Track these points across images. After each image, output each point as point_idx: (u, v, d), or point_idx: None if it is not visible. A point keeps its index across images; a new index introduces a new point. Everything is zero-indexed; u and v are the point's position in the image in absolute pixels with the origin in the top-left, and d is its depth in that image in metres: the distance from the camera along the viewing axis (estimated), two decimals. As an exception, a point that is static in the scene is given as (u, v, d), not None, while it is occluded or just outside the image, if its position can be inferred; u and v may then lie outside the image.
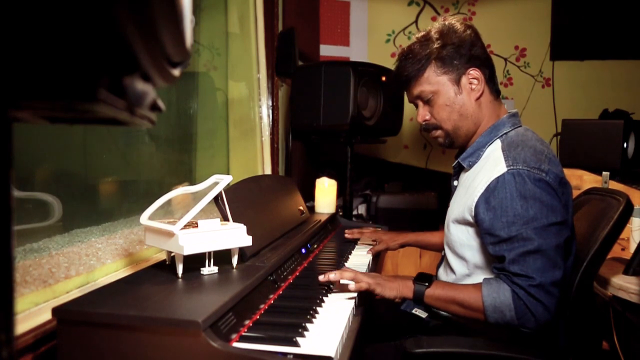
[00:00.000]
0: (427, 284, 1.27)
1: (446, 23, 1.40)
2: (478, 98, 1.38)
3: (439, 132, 1.43)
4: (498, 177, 1.24)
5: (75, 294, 1.13)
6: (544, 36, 3.53)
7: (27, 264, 1.09)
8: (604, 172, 2.46)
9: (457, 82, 1.37)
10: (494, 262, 1.26)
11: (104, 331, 0.91)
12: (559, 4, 3.49)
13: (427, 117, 1.43)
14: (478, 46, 1.38)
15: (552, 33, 3.51)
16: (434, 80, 1.38)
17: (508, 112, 1.41)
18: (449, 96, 1.38)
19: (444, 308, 1.28)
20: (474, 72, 1.37)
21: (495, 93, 1.41)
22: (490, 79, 1.39)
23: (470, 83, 1.37)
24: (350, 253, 1.78)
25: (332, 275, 1.26)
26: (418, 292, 1.27)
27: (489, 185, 1.25)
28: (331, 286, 1.34)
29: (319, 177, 2.28)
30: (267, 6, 2.41)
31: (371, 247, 1.82)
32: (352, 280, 1.27)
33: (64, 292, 1.12)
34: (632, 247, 1.91)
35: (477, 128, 1.40)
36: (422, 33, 1.42)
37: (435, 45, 1.37)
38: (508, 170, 1.23)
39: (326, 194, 2.23)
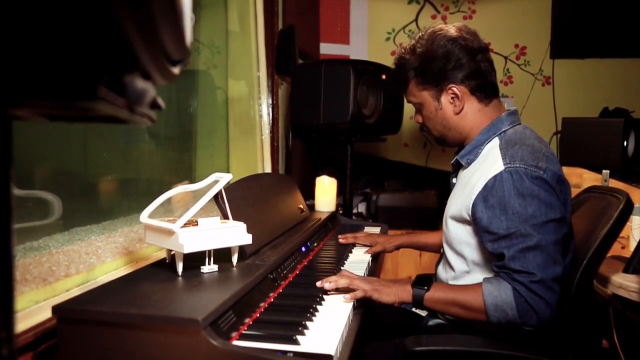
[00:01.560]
0: (426, 287, 1.26)
1: (432, 32, 1.38)
2: (459, 112, 1.39)
3: (432, 135, 1.52)
4: (495, 176, 1.24)
5: (76, 292, 1.13)
6: (544, 34, 3.53)
7: (27, 262, 1.09)
8: (604, 171, 2.46)
9: (437, 98, 1.40)
10: (493, 260, 1.26)
11: (104, 329, 0.92)
12: (559, 2, 3.48)
13: (420, 121, 1.51)
14: (463, 59, 1.34)
15: (552, 31, 3.51)
16: (417, 94, 1.44)
17: (507, 110, 1.41)
18: (430, 110, 1.43)
19: (445, 311, 1.27)
20: (454, 89, 1.36)
21: (487, 99, 1.39)
22: (478, 88, 1.37)
23: (451, 99, 1.38)
24: (350, 251, 1.78)
25: (328, 285, 1.27)
26: (417, 296, 1.26)
27: (486, 183, 1.25)
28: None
29: (319, 175, 2.28)
30: (267, 4, 2.41)
31: (368, 248, 1.81)
32: (346, 286, 1.27)
33: (64, 291, 1.12)
34: (632, 246, 1.91)
35: (464, 135, 1.42)
36: (410, 43, 1.42)
37: (415, 63, 1.39)
38: (505, 168, 1.23)
39: (326, 192, 2.23)
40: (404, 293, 1.27)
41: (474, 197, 1.27)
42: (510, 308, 1.17)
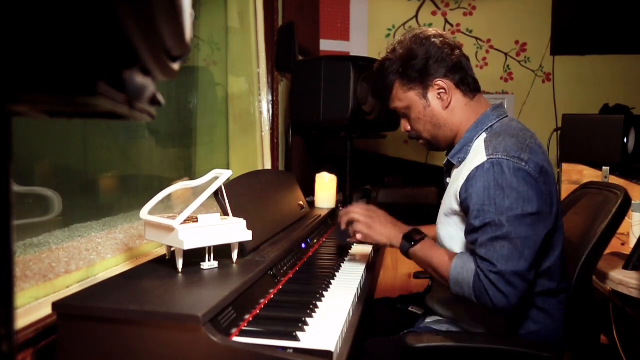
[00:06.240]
0: (414, 242, 1.34)
1: (409, 36, 1.41)
2: (448, 106, 1.39)
3: (422, 141, 1.49)
4: (478, 166, 1.25)
5: (76, 288, 1.13)
6: (544, 31, 3.52)
7: (27, 258, 1.09)
8: (604, 167, 2.46)
9: (424, 96, 1.40)
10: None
11: (104, 326, 0.92)
12: (560, -1, 3.48)
13: (408, 128, 1.49)
14: (443, 54, 1.37)
15: (553, 28, 3.50)
16: (402, 96, 1.43)
17: (492, 105, 1.41)
18: (419, 110, 1.42)
19: (422, 267, 1.37)
20: (440, 83, 1.37)
21: (471, 93, 1.40)
22: (462, 82, 1.39)
23: (438, 94, 1.38)
24: (350, 248, 1.78)
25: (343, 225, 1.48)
26: (404, 247, 1.37)
27: (469, 174, 1.26)
28: (331, 281, 1.34)
29: (319, 172, 2.28)
30: (267, 1, 2.40)
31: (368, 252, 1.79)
32: (350, 219, 1.45)
33: (64, 287, 1.13)
34: (632, 242, 1.92)
35: (455, 133, 1.42)
36: (390, 47, 1.44)
37: (397, 64, 1.40)
38: (488, 159, 1.24)
39: (326, 188, 2.23)
40: (395, 239, 1.39)
41: (459, 188, 1.29)
42: (467, 287, 1.20)
